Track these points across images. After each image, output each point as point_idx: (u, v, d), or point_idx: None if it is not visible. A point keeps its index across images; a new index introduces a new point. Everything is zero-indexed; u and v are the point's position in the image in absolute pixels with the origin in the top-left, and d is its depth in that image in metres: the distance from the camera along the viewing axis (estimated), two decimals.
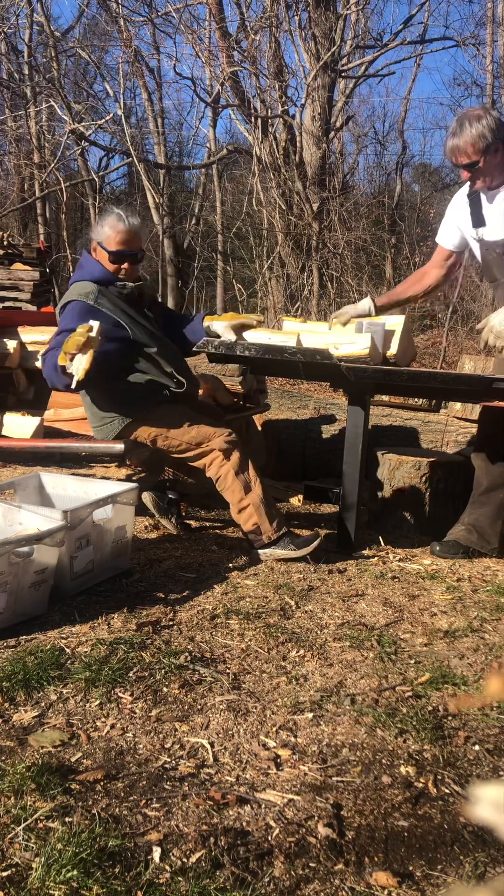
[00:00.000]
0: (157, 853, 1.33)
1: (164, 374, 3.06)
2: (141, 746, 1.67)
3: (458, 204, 3.11)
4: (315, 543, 2.91)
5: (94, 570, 2.58)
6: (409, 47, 12.21)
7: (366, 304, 3.27)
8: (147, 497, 3.22)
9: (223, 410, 3.65)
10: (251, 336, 3.10)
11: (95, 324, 2.67)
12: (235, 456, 2.95)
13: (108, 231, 3.01)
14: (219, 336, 3.09)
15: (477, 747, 1.71)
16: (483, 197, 2.98)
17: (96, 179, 11.79)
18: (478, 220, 3.01)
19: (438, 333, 10.50)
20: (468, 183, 2.98)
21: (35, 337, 4.51)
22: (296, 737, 1.73)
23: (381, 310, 3.27)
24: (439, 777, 1.60)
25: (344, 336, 3.07)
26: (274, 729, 1.75)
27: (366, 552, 3.12)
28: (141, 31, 11.22)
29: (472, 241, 3.09)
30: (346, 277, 10.10)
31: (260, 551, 2.94)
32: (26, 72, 11.91)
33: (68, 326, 2.85)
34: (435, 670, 2.07)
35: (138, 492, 2.82)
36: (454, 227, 3.14)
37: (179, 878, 1.27)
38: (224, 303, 12.57)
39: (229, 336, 3.06)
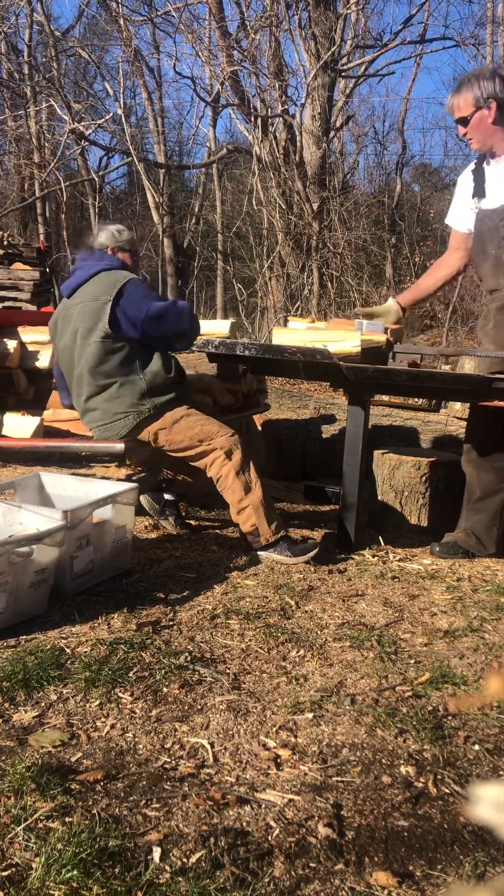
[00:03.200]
0: (157, 853, 1.33)
1: (165, 367, 3.06)
2: (141, 746, 1.67)
3: (464, 181, 3.09)
4: (312, 553, 2.90)
5: (94, 570, 2.58)
6: (408, 47, 12.24)
7: (390, 304, 3.27)
8: (144, 500, 3.21)
9: (222, 410, 3.65)
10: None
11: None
12: (237, 456, 2.94)
13: (130, 236, 3.31)
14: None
15: (477, 747, 1.71)
16: (486, 169, 2.99)
17: (96, 179, 11.78)
18: (479, 192, 3.00)
19: (438, 333, 10.50)
20: (474, 162, 3.01)
21: (35, 337, 4.49)
22: (296, 737, 1.73)
23: (409, 307, 3.30)
24: (439, 777, 1.60)
25: (337, 335, 3.07)
26: (274, 729, 1.75)
27: (366, 552, 3.12)
28: (141, 31, 11.23)
29: (472, 214, 3.05)
30: (346, 277, 10.10)
31: (257, 553, 2.94)
32: (26, 71, 11.90)
33: (152, 294, 3.07)
34: (435, 670, 2.07)
35: (138, 492, 2.81)
36: (463, 206, 3.10)
37: (179, 879, 1.27)
38: (224, 302, 12.56)
39: None
